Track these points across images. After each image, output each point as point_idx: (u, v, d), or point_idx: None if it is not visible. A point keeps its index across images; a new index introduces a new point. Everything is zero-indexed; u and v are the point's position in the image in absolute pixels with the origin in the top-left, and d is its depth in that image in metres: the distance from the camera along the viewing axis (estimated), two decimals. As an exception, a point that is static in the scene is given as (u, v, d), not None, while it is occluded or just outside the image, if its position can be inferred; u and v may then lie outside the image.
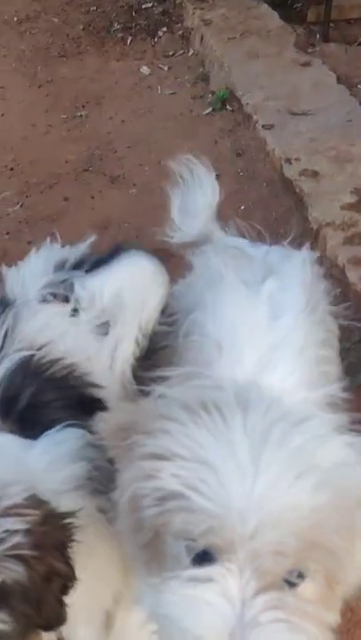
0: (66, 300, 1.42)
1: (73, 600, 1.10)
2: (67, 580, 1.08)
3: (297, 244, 2.55)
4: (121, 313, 1.43)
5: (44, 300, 1.41)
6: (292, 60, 3.16)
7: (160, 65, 3.53)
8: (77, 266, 1.51)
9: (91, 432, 1.24)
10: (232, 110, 3.07)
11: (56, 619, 1.09)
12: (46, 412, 1.26)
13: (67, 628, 1.29)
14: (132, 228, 2.64)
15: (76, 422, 1.24)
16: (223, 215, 2.79)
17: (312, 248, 2.46)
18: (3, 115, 3.28)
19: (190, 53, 3.58)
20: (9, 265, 2.49)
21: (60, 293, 1.43)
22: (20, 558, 1.01)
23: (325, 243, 2.34)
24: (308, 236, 2.49)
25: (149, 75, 3.48)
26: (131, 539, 1.00)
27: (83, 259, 1.54)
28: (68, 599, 1.09)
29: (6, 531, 1.02)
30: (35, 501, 1.07)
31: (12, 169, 2.94)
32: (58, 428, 1.22)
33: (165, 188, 2.16)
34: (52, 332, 1.33)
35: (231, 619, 0.82)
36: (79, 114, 3.25)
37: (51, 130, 3.18)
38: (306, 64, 3.15)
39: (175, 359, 1.40)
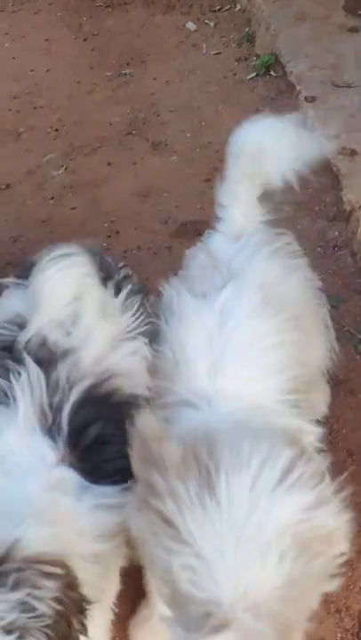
0: None
1: None
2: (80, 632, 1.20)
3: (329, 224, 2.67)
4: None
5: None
6: (339, 26, 3.16)
7: (206, 20, 3.54)
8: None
9: None
10: (276, 77, 3.11)
11: None
12: (110, 449, 1.33)
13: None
14: (172, 198, 2.76)
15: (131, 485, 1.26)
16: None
17: (342, 230, 2.58)
18: (48, 70, 3.36)
19: (237, 9, 3.58)
20: (52, 230, 2.65)
21: None
22: (45, 630, 1.11)
23: (358, 226, 2.44)
24: (340, 217, 2.60)
25: (195, 31, 3.49)
26: (159, 590, 1.18)
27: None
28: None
29: (36, 597, 1.10)
30: (67, 575, 1.16)
31: (57, 130, 3.05)
32: (115, 488, 1.29)
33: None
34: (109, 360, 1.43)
35: None
36: (124, 72, 3.31)
37: (95, 88, 3.25)
38: (353, 29, 3.15)
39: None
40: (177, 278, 1.68)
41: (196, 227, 2.72)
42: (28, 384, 1.35)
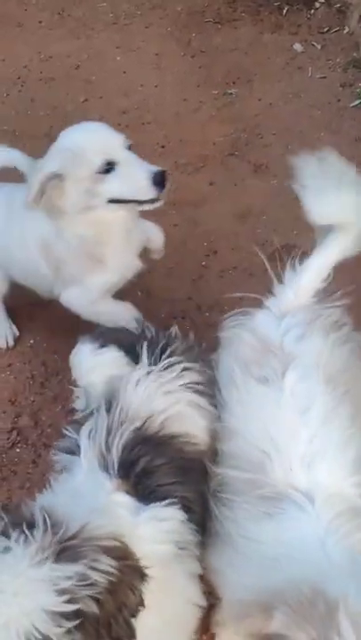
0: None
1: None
2: (134, 610, 1.42)
3: None
4: None
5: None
6: None
7: (313, 42, 3.66)
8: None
9: (187, 502, 1.64)
10: (380, 106, 3.21)
11: (125, 636, 1.42)
12: (157, 477, 1.62)
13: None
14: (270, 221, 2.92)
15: (180, 495, 1.62)
16: None
17: None
18: (157, 86, 3.56)
19: (345, 31, 3.67)
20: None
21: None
22: (95, 595, 1.34)
23: None
24: None
25: (301, 53, 3.62)
26: None
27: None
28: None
29: (92, 567, 1.35)
30: (124, 548, 1.42)
31: (163, 146, 3.25)
32: (164, 503, 1.58)
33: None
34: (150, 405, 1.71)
35: None
36: (229, 91, 3.48)
37: (201, 106, 3.43)
38: None
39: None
40: (227, 355, 1.80)
41: (290, 251, 2.87)
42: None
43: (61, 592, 1.31)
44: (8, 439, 2.49)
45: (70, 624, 1.32)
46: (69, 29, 3.90)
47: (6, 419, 2.54)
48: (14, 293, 2.65)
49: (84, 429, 1.72)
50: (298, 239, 2.83)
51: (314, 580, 1.31)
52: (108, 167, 2.07)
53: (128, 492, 1.58)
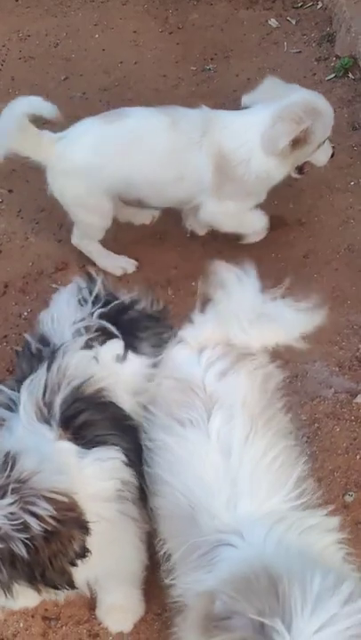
0: (96, 331, 1.93)
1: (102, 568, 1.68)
2: (72, 559, 1.57)
3: None
4: None
5: (78, 334, 1.93)
6: None
7: (288, 17, 3.84)
8: (94, 302, 2.03)
9: (125, 451, 1.80)
10: (354, 79, 3.40)
11: (58, 583, 1.58)
12: (95, 429, 1.79)
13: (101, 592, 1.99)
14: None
15: (118, 444, 1.78)
16: (333, 188, 3.23)
17: None
18: (136, 63, 3.71)
19: (319, 7, 3.86)
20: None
21: (90, 325, 1.95)
22: (28, 540, 1.49)
23: None
24: None
25: (277, 28, 3.80)
26: None
27: (98, 295, 2.05)
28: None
29: (27, 511, 1.50)
30: (69, 501, 1.57)
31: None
32: (105, 447, 1.75)
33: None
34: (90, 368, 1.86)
35: None
36: (207, 67, 3.65)
37: (181, 83, 3.59)
38: None
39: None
40: (150, 405, 1.84)
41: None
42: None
43: None
44: None
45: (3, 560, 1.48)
46: (46, 8, 4.03)
47: None
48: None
49: (25, 384, 1.82)
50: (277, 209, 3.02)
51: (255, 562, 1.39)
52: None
53: (69, 440, 1.74)
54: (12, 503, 1.51)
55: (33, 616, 2.17)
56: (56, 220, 3.11)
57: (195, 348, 1.86)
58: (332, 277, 2.86)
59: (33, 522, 1.51)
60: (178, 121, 2.71)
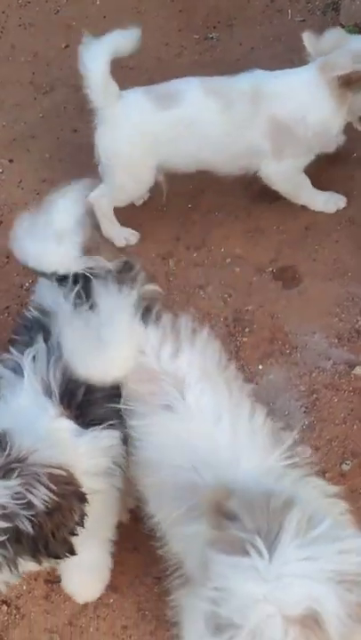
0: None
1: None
2: (72, 529, 1.68)
3: None
4: None
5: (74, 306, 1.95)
6: None
7: (293, -17, 3.80)
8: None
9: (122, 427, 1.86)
10: (358, 49, 3.38)
11: (61, 553, 1.69)
12: (95, 407, 1.85)
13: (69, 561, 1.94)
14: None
15: (115, 423, 1.84)
16: (335, 160, 3.22)
17: None
18: (138, 30, 3.69)
19: (325, -28, 3.81)
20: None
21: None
22: (32, 516, 1.58)
23: None
24: None
25: (282, -6, 3.76)
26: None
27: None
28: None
29: (30, 489, 1.58)
30: (68, 475, 1.66)
31: (146, 92, 3.40)
32: (102, 426, 1.81)
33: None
34: None
35: None
36: (210, 35, 3.63)
37: (183, 51, 3.58)
38: None
39: None
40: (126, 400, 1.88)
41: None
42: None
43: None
44: None
45: (3, 537, 1.56)
46: (46, -26, 3.99)
47: None
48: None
49: (27, 354, 1.87)
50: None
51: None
52: None
53: (69, 418, 1.81)
54: (17, 483, 1.59)
55: (36, 579, 2.25)
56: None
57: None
58: (333, 249, 2.90)
59: (36, 499, 1.59)
60: (229, 103, 2.74)
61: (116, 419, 1.88)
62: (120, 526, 2.15)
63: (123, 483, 1.95)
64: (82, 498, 1.69)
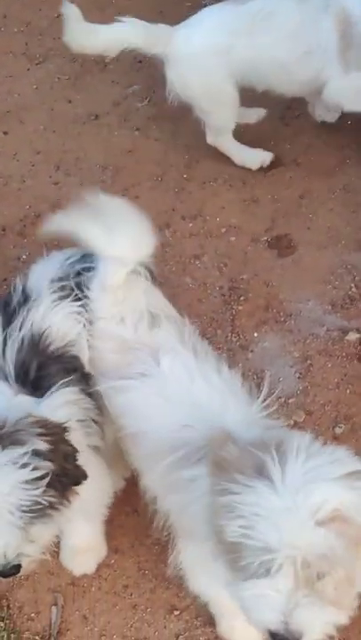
0: (71, 290, 2.04)
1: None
2: (73, 457, 1.84)
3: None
4: None
5: (56, 293, 2.04)
6: None
7: None
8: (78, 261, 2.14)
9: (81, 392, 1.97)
10: None
11: (79, 477, 1.85)
12: (50, 378, 1.95)
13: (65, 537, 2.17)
14: (251, 131, 3.14)
15: (68, 381, 1.94)
16: (329, 128, 3.24)
17: None
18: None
19: None
20: (138, 160, 3.09)
21: (67, 285, 2.06)
22: (47, 455, 1.75)
23: None
24: None
25: None
26: (216, 547, 1.57)
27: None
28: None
29: (36, 438, 1.75)
30: (50, 422, 1.82)
31: (140, 62, 3.43)
32: (56, 387, 1.93)
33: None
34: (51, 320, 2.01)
35: (281, 605, 1.44)
36: (204, 2, 3.62)
37: (179, 21, 3.56)
38: None
39: None
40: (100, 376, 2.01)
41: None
42: None
43: (23, 465, 1.71)
44: None
45: (42, 483, 1.73)
46: None
47: None
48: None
49: None
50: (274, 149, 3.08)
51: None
52: None
53: (25, 395, 1.92)
54: (25, 443, 1.75)
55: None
56: (52, 163, 3.19)
57: (114, 319, 2.02)
58: (327, 217, 2.96)
59: (40, 445, 1.75)
60: None
61: (69, 375, 1.98)
62: (120, 491, 2.25)
63: (100, 441, 2.08)
64: (64, 428, 1.85)
